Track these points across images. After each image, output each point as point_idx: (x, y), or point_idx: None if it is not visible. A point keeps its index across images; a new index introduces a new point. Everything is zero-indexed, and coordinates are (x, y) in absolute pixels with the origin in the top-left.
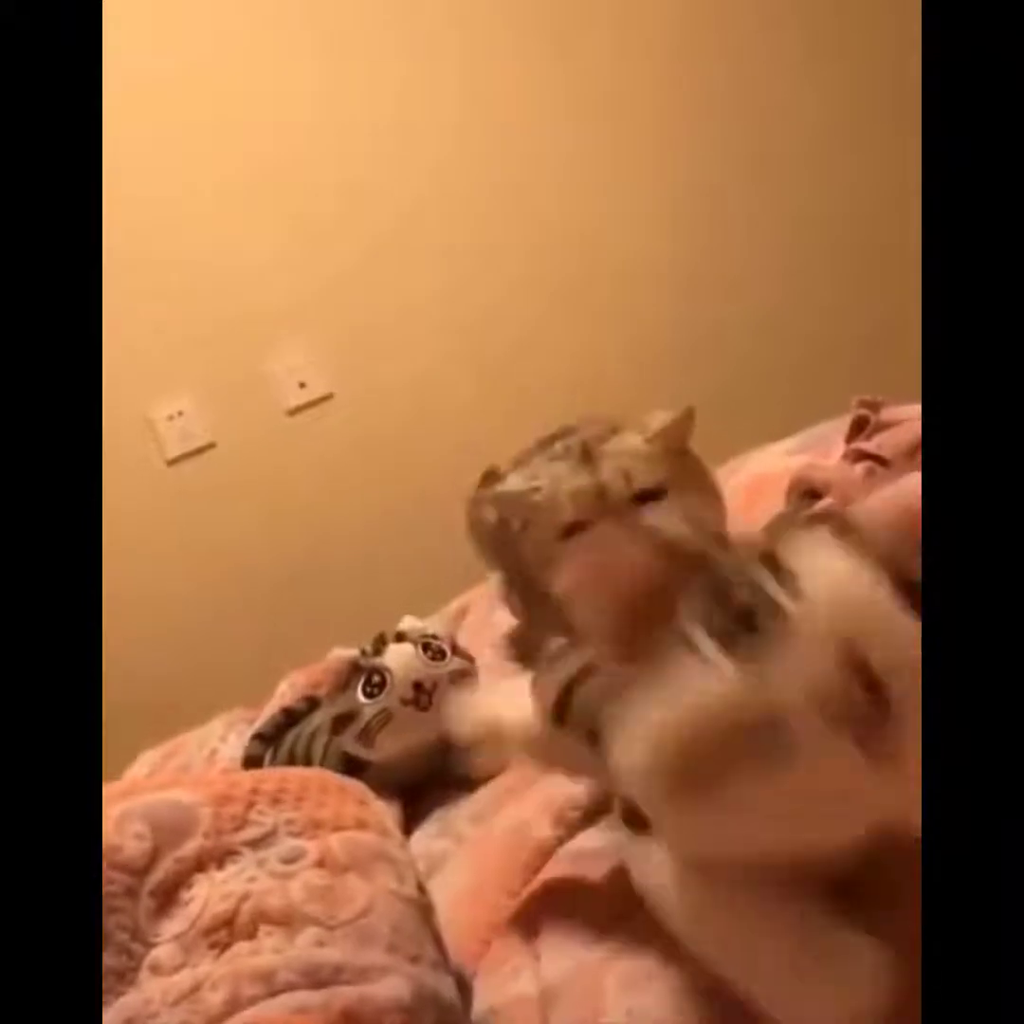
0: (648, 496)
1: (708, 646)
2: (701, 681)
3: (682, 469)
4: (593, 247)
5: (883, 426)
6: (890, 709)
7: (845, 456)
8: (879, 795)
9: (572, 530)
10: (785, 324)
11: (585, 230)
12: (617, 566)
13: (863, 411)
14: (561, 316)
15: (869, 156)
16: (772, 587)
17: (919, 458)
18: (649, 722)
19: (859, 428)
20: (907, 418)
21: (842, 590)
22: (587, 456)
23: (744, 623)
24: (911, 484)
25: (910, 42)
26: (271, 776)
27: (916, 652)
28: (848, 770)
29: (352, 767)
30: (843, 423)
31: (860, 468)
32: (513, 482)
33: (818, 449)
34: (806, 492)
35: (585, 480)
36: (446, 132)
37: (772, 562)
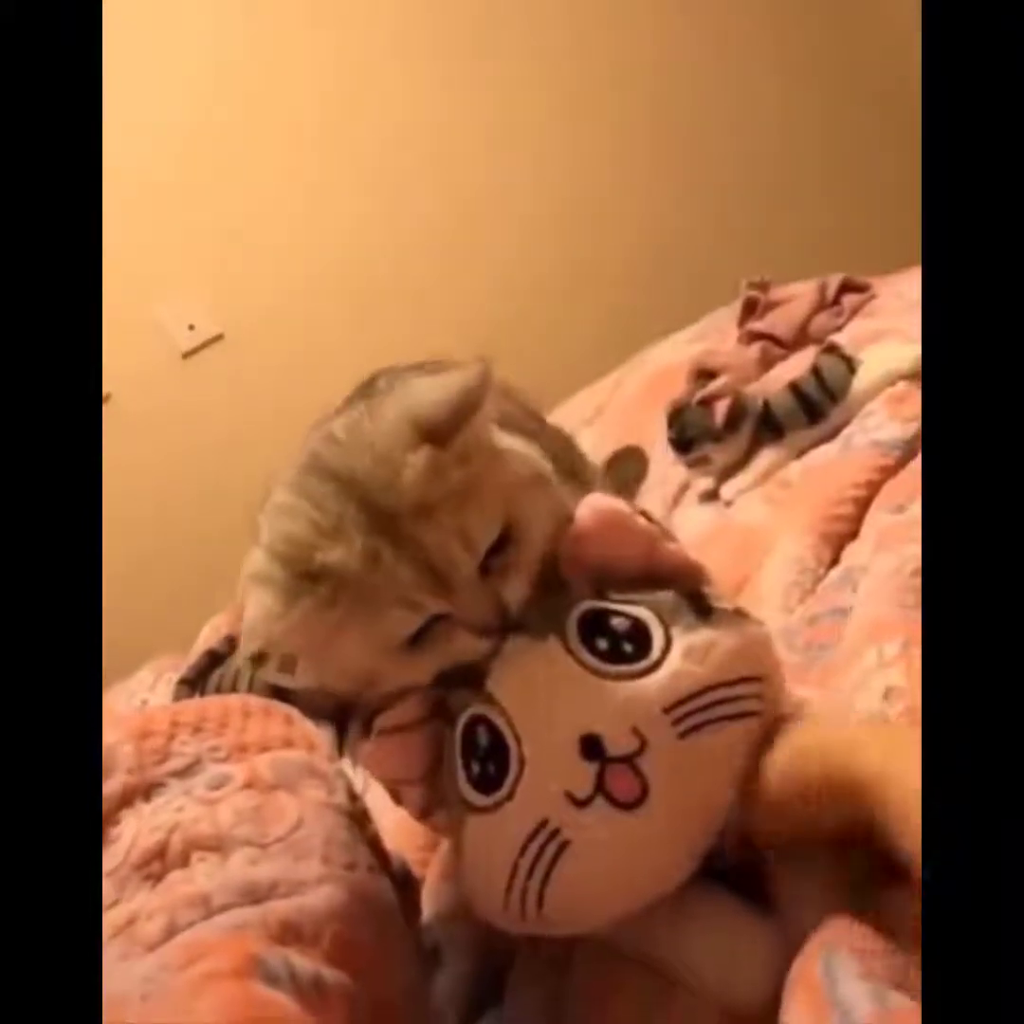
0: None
1: (474, 797)
2: (481, 831)
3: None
4: (482, 179)
5: (772, 305)
6: (629, 763)
7: (740, 339)
8: (656, 831)
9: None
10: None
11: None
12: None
13: (753, 293)
14: (453, 248)
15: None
16: (501, 723)
17: (809, 333)
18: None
19: (750, 309)
20: (795, 295)
21: (548, 699)
22: (390, 522)
23: (491, 760)
24: (589, 503)
25: None
26: (189, 707)
27: (615, 698)
28: (623, 832)
29: (279, 697)
30: (735, 308)
31: (755, 348)
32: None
33: (714, 335)
34: (703, 374)
35: (409, 572)
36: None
37: (490, 700)
